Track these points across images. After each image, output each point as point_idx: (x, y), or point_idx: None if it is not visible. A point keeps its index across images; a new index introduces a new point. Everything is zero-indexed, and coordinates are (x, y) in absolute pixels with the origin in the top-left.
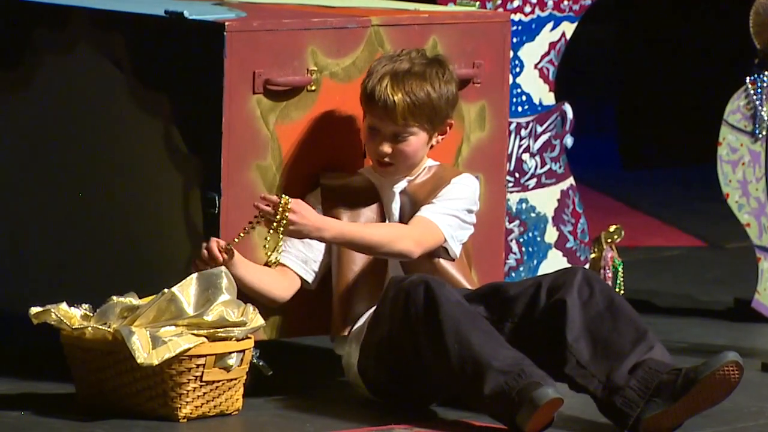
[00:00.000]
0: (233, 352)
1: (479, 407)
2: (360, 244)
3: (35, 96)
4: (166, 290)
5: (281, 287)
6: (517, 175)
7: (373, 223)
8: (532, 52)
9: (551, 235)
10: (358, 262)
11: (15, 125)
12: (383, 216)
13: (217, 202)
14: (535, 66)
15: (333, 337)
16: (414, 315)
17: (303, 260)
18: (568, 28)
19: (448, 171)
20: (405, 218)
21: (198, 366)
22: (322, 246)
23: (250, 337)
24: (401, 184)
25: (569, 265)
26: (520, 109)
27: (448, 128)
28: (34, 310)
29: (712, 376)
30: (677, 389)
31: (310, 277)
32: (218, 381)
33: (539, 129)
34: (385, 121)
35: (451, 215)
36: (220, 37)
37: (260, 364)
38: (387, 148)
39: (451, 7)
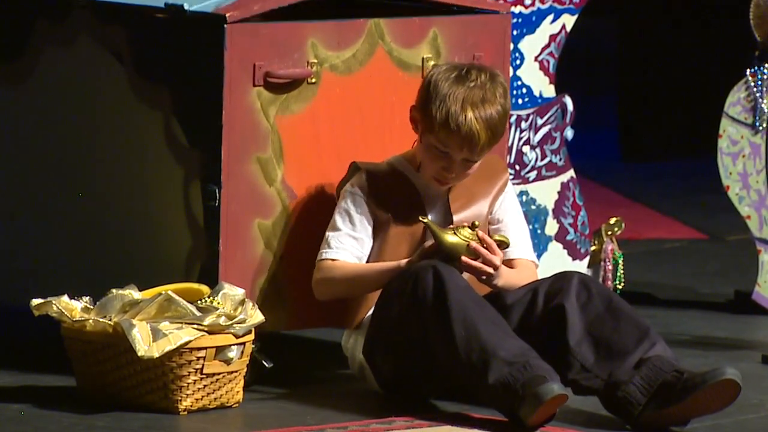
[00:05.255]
0: (233, 344)
1: (482, 396)
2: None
3: (35, 88)
4: (162, 292)
5: None
6: (517, 167)
7: (514, 271)
8: (532, 44)
9: (552, 227)
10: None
11: (15, 117)
12: (424, 209)
13: (217, 194)
14: (536, 58)
15: (347, 326)
16: (422, 299)
17: (357, 257)
18: (569, 21)
19: (492, 159)
20: (459, 205)
21: (198, 359)
22: (369, 242)
23: (250, 331)
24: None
25: (565, 269)
26: (520, 101)
27: None
28: (35, 302)
29: (709, 388)
30: (675, 393)
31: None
32: (219, 374)
33: (540, 121)
34: (462, 150)
35: (529, 237)
36: (220, 30)
37: (261, 356)
38: (453, 173)
39: None
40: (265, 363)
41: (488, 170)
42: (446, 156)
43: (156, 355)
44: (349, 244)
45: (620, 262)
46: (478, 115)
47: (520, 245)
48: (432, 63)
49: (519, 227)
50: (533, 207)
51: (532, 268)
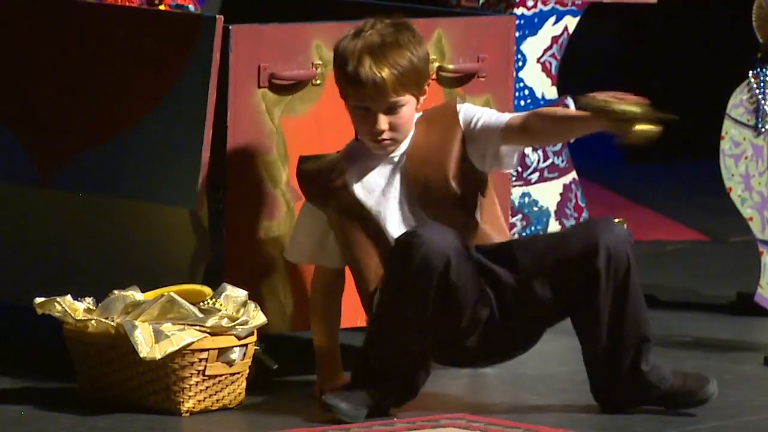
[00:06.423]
0: (236, 346)
1: None
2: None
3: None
4: (164, 293)
5: (338, 296)
6: (519, 169)
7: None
8: (534, 46)
9: (554, 229)
10: (363, 243)
11: None
12: (373, 188)
13: (222, 196)
14: (538, 60)
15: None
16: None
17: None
18: (571, 22)
19: (437, 110)
20: (420, 175)
21: (201, 360)
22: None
23: (252, 332)
24: (401, 149)
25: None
26: (522, 103)
27: (427, 87)
28: (38, 300)
29: None
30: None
31: (335, 264)
32: (221, 375)
33: None
34: (376, 100)
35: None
36: (225, 31)
37: (265, 358)
38: (384, 125)
39: None
40: (269, 364)
41: (436, 118)
42: (368, 112)
43: (158, 356)
44: (310, 248)
45: None
46: (377, 58)
47: (499, 115)
48: (437, 65)
49: (494, 115)
50: (535, 209)
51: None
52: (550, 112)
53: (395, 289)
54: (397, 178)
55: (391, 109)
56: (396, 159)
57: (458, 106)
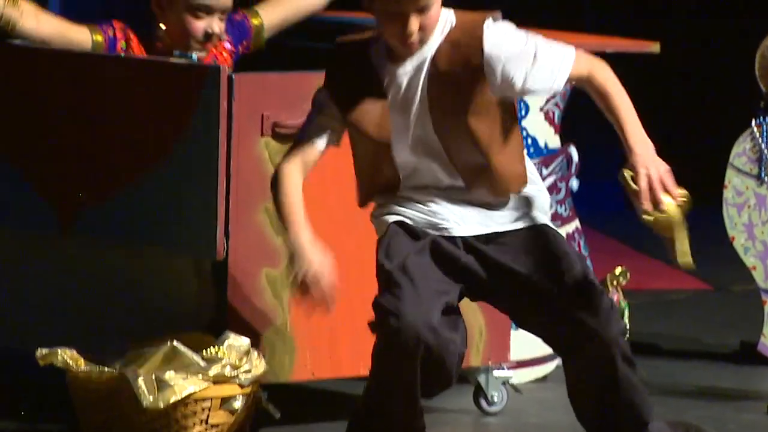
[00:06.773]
0: (239, 394)
1: None
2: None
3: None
4: (168, 342)
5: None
6: None
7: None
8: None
9: None
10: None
11: None
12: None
13: (225, 244)
14: (541, 109)
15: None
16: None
17: (304, 161)
18: None
19: (465, 24)
20: (440, 107)
21: (204, 409)
22: (322, 143)
23: (255, 381)
24: (425, 52)
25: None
26: (525, 152)
27: None
28: (41, 351)
29: None
30: None
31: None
32: (224, 423)
33: (545, 171)
34: (406, 3)
35: (545, 46)
36: (228, 80)
37: (268, 406)
38: (415, 26)
39: None
40: (272, 413)
41: (462, 35)
42: (398, 15)
43: (161, 405)
44: (300, 153)
45: (626, 312)
46: None
47: (555, 68)
48: None
49: (541, 73)
50: None
51: (583, 59)
52: (606, 99)
53: (381, 370)
54: (422, 79)
55: (421, 10)
56: (418, 63)
57: (485, 41)
